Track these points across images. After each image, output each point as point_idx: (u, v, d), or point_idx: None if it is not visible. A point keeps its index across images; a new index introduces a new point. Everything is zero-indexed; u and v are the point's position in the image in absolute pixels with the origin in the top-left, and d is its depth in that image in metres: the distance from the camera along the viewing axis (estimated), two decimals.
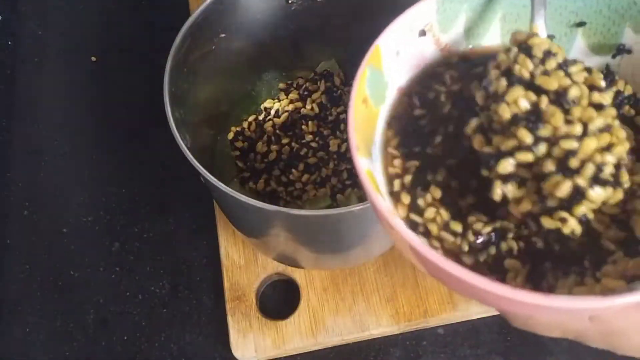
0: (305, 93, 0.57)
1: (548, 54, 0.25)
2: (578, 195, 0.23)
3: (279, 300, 0.54)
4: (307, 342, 0.51)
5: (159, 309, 0.55)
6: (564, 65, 0.24)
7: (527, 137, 0.23)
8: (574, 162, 0.23)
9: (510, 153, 0.24)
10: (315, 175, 0.53)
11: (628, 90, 0.28)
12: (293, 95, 0.57)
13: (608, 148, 0.23)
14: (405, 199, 0.26)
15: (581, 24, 0.30)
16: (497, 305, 0.25)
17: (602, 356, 0.30)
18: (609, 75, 0.29)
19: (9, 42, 0.71)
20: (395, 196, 0.27)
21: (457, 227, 0.26)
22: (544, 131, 0.23)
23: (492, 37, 0.31)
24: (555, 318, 0.27)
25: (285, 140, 0.55)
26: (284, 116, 0.56)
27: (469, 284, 0.21)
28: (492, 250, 0.25)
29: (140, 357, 0.53)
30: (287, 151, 0.54)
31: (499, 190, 0.24)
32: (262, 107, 0.58)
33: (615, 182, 0.23)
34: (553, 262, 0.25)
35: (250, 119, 0.57)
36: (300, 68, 0.59)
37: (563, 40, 0.30)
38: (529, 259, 0.25)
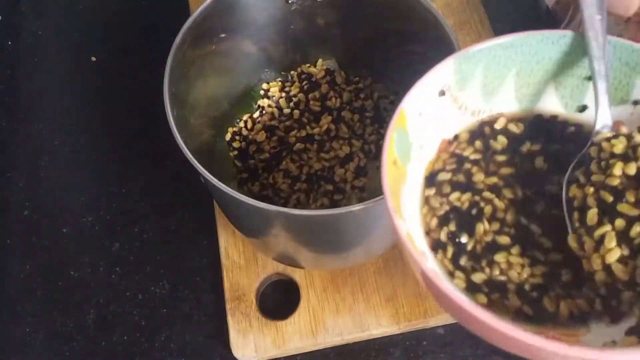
0: (307, 87, 0.56)
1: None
2: None
3: (279, 300, 0.54)
4: (307, 342, 0.51)
5: (159, 309, 0.55)
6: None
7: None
8: None
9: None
10: (314, 185, 0.53)
11: None
12: (294, 89, 0.57)
13: None
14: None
15: (590, 78, 0.31)
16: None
17: None
18: None
19: (9, 42, 0.71)
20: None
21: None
22: None
23: (507, 92, 0.32)
24: None
25: (276, 137, 0.55)
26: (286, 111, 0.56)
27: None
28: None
29: (140, 357, 0.53)
30: (281, 149, 0.54)
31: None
32: (257, 104, 0.58)
33: None
34: None
35: (245, 117, 0.57)
36: None
37: (575, 92, 0.32)
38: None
